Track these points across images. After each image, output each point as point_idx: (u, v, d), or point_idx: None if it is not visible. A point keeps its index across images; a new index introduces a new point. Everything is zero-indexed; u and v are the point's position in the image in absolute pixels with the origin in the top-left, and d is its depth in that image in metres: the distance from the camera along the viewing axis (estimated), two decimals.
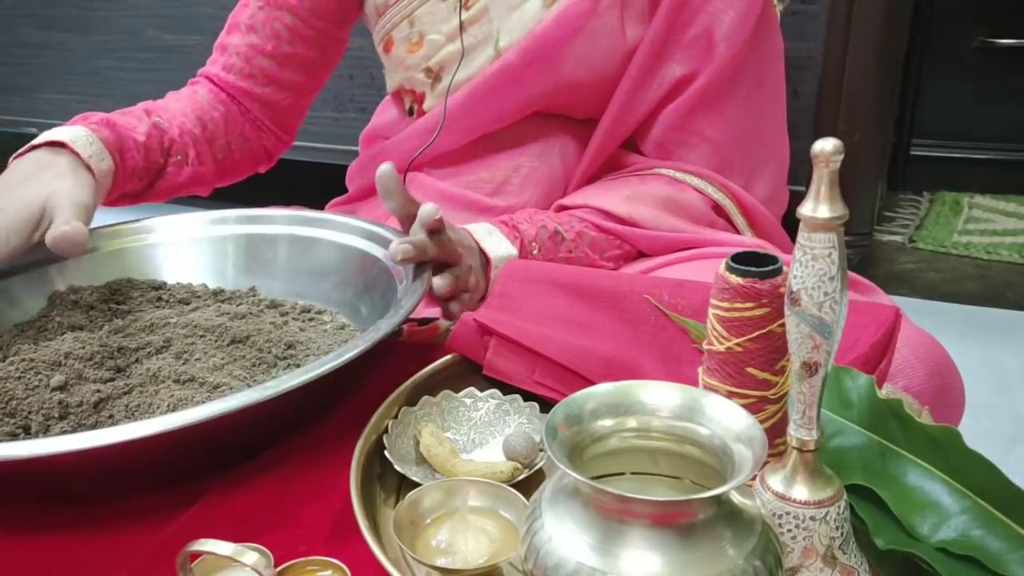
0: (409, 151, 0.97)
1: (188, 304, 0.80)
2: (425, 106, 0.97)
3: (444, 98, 0.93)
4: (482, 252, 0.82)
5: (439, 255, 0.75)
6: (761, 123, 0.96)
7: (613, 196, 0.90)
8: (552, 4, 0.90)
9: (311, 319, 0.79)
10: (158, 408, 0.63)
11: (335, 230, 0.85)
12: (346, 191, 1.10)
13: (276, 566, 0.50)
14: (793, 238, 0.44)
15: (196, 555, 0.48)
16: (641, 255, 0.91)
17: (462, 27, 0.91)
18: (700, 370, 0.52)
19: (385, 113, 1.09)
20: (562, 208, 0.92)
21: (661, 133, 0.94)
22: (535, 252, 0.85)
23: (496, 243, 0.83)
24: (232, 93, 1.00)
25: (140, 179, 0.90)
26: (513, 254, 0.83)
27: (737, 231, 0.94)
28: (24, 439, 0.61)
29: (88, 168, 0.81)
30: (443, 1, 0.92)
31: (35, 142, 0.82)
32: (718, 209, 0.93)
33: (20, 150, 0.82)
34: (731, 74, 0.91)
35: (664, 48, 0.90)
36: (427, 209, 0.74)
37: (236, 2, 1.00)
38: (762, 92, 0.95)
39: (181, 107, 0.97)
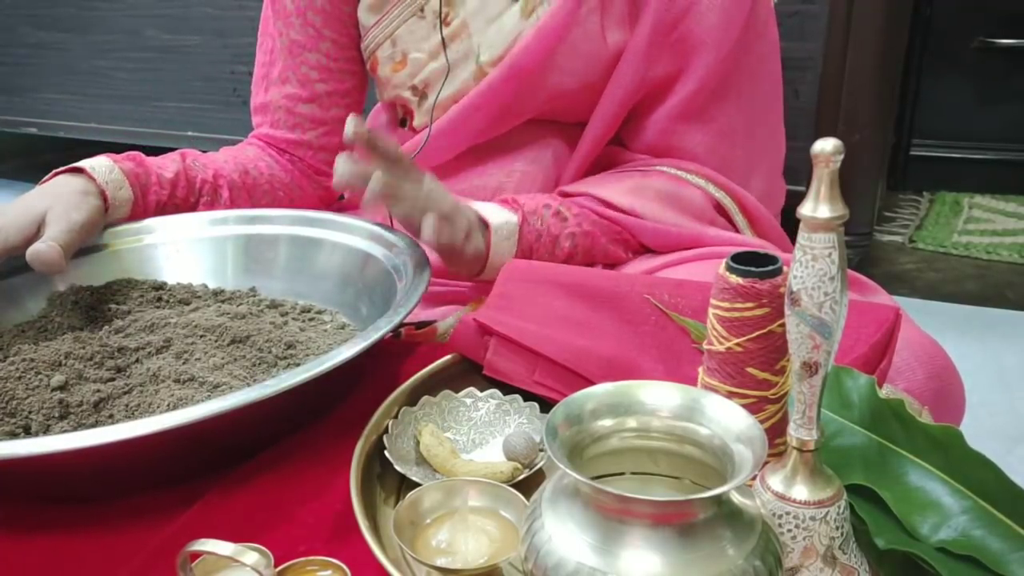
0: None
1: (188, 304, 0.80)
2: (416, 123, 0.98)
3: (431, 115, 0.93)
4: (481, 219, 0.81)
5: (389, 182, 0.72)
6: (757, 123, 0.96)
7: (616, 187, 0.90)
8: (531, 15, 0.89)
9: (311, 319, 0.79)
10: (158, 408, 0.63)
11: (335, 230, 0.85)
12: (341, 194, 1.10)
13: (276, 566, 0.50)
14: (793, 238, 0.44)
15: (196, 555, 0.48)
16: (643, 249, 0.91)
17: (444, 44, 0.91)
18: (700, 370, 0.52)
19: (378, 120, 1.08)
20: (564, 195, 0.92)
21: (653, 139, 0.93)
22: (538, 224, 0.84)
23: (494, 211, 0.82)
24: (285, 148, 1.01)
25: (169, 215, 0.91)
26: (513, 221, 0.82)
27: (737, 230, 0.94)
28: (24, 439, 0.61)
29: (102, 194, 0.85)
30: (423, 19, 0.92)
31: (59, 169, 0.86)
32: (719, 208, 0.93)
33: (46, 176, 0.85)
34: (721, 78, 0.91)
35: (649, 51, 0.90)
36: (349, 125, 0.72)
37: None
38: (758, 91, 0.95)
39: (223, 156, 0.99)
